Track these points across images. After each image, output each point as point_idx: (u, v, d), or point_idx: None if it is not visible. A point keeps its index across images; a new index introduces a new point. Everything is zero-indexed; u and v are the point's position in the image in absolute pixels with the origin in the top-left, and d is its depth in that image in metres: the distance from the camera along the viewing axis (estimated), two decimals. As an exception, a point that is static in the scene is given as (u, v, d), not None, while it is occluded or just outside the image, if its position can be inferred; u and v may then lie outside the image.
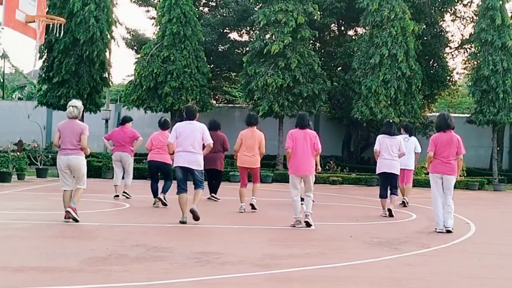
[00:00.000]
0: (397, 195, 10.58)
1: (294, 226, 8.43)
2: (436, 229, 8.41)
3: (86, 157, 8.61)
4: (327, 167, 20.99)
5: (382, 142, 10.32)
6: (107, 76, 21.52)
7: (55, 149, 21.71)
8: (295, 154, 8.53)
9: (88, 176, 8.69)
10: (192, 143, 8.38)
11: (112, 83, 23.12)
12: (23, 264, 5.50)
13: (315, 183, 8.91)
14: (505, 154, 25.49)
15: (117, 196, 11.77)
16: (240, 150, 10.43)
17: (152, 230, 8.10)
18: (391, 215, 9.99)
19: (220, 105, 29.23)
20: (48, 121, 26.26)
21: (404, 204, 11.86)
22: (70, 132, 8.29)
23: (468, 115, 22.96)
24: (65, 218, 8.18)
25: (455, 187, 8.80)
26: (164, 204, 10.55)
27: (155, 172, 10.88)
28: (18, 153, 16.70)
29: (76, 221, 8.02)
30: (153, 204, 10.69)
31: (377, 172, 10.48)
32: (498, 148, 21.84)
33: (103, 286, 4.81)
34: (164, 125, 10.98)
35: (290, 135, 8.64)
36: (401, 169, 11.36)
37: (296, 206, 8.51)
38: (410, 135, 12.29)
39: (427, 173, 18.19)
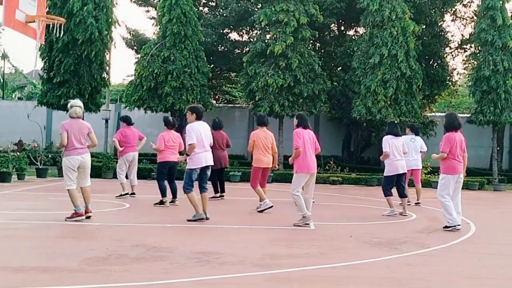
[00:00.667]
0: (407, 196, 10.67)
1: (300, 225, 8.41)
2: (448, 226, 8.51)
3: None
4: (327, 167, 20.95)
5: (391, 144, 10.35)
6: (105, 76, 21.49)
7: (55, 149, 21.76)
8: (305, 153, 8.54)
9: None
10: (209, 143, 8.86)
11: (110, 83, 23.02)
12: (23, 264, 5.50)
13: (315, 182, 8.97)
14: (505, 154, 25.47)
15: (126, 194, 11.82)
16: (257, 151, 10.43)
17: (152, 230, 8.11)
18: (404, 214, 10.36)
19: (220, 105, 29.20)
20: (48, 121, 26.24)
21: (418, 204, 12.20)
22: (78, 131, 8.43)
23: (468, 115, 22.93)
24: (75, 215, 8.30)
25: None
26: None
27: (167, 171, 10.98)
28: (18, 153, 16.68)
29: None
30: (154, 204, 10.72)
31: (391, 174, 10.31)
32: (498, 148, 21.81)
33: (103, 286, 4.81)
34: (173, 125, 11.12)
35: (298, 134, 8.62)
36: (410, 170, 11.51)
37: (300, 202, 8.45)
38: (416, 135, 12.41)
39: (427, 173, 18.44)
